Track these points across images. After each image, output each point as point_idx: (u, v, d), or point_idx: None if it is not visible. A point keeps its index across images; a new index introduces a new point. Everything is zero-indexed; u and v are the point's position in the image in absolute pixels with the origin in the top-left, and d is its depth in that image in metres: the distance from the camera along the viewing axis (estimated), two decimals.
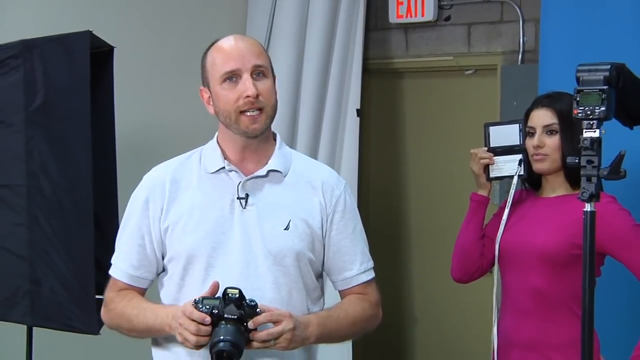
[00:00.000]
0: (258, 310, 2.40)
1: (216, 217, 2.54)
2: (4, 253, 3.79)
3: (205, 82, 2.59)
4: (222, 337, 2.35)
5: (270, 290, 2.51)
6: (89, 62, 3.70)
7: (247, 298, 2.40)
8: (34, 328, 3.91)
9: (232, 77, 2.52)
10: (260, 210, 2.54)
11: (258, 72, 2.53)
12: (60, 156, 3.78)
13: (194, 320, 2.36)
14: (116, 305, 2.60)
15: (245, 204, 2.54)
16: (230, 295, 2.38)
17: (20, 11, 4.54)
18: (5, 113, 3.80)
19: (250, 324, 2.37)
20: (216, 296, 2.42)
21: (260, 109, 2.52)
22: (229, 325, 2.37)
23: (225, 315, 2.37)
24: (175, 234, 2.55)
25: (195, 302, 2.39)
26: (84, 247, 3.74)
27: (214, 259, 2.52)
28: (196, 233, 2.53)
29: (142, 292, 2.64)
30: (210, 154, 2.61)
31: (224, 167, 2.57)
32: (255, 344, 2.39)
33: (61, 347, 4.29)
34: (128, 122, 4.30)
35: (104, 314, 2.66)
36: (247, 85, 2.50)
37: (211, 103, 2.59)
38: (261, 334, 2.38)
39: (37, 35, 3.85)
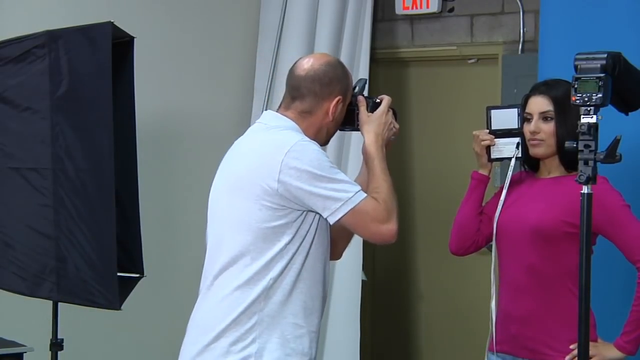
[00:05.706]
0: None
1: None
2: (32, 233, 3.80)
3: (344, 93, 2.71)
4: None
5: None
6: (110, 51, 3.69)
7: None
8: (59, 303, 3.91)
9: None
10: None
11: None
12: (84, 141, 3.77)
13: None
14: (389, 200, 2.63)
15: None
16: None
17: (46, 2, 4.55)
18: (32, 100, 3.80)
19: None
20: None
21: None
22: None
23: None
24: None
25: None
26: (106, 226, 3.74)
27: None
28: None
29: None
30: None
31: None
32: None
33: (84, 322, 4.29)
34: (147, 108, 4.30)
35: (395, 223, 2.62)
36: None
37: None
38: None
39: (62, 26, 3.84)
